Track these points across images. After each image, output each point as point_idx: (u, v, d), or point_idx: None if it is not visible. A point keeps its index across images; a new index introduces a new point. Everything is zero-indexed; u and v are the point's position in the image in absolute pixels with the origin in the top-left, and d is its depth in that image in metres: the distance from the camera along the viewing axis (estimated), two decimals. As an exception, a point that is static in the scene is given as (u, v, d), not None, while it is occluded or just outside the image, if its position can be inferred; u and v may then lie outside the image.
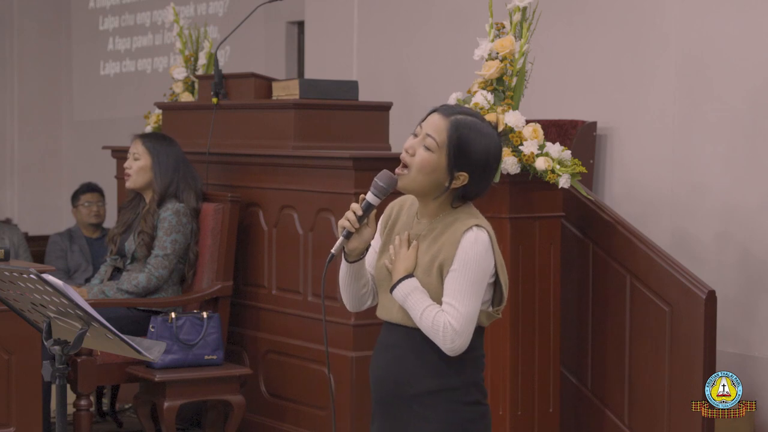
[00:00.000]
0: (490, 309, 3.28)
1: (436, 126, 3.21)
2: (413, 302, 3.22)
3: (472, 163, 3.21)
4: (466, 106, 3.31)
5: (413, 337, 3.26)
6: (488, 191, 3.33)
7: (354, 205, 3.24)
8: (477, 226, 3.21)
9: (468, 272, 3.19)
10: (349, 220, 3.23)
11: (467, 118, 3.22)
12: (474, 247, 3.19)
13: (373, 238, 3.31)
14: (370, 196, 3.24)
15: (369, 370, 3.41)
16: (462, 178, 3.22)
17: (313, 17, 8.24)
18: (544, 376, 5.13)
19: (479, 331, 3.28)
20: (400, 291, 3.24)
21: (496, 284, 3.27)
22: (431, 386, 3.25)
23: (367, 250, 3.31)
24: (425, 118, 3.25)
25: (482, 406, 3.31)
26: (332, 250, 3.28)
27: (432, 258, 3.24)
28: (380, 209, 3.34)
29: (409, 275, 3.24)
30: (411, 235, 3.29)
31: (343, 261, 3.33)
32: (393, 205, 3.41)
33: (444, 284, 3.21)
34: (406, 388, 3.28)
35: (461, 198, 3.26)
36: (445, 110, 3.24)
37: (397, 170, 3.24)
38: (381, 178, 3.24)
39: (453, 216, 3.25)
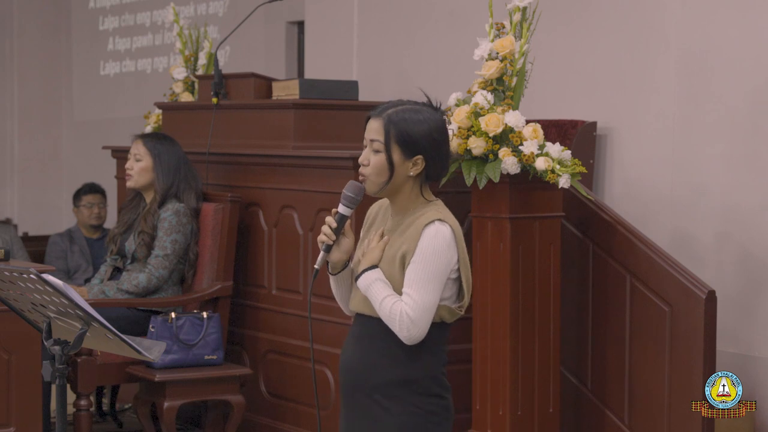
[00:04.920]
0: (453, 305, 3.38)
1: (375, 129, 3.39)
2: (374, 292, 3.34)
3: (421, 145, 3.36)
4: (402, 100, 3.48)
5: (376, 327, 3.37)
6: (447, 170, 3.46)
7: (328, 219, 3.40)
8: (440, 220, 3.34)
9: (426, 264, 3.30)
10: (325, 234, 3.39)
11: (398, 108, 3.41)
12: (434, 240, 3.31)
13: (353, 248, 3.44)
14: (341, 208, 3.40)
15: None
16: (419, 162, 3.37)
17: (313, 17, 8.24)
18: (544, 376, 5.13)
19: (443, 326, 3.39)
20: (363, 281, 3.37)
21: (459, 281, 3.37)
22: (392, 376, 3.36)
23: (350, 261, 3.44)
24: (365, 128, 3.41)
25: (443, 400, 3.41)
26: (315, 265, 3.42)
27: (396, 250, 3.36)
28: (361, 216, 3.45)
29: (373, 266, 3.36)
30: (384, 232, 3.43)
31: (329, 274, 3.46)
32: (371, 209, 3.56)
33: (404, 275, 3.32)
34: (368, 377, 3.39)
35: (426, 180, 3.40)
36: (377, 111, 3.42)
37: (360, 178, 3.40)
38: (349, 189, 3.39)
39: (421, 211, 3.38)
